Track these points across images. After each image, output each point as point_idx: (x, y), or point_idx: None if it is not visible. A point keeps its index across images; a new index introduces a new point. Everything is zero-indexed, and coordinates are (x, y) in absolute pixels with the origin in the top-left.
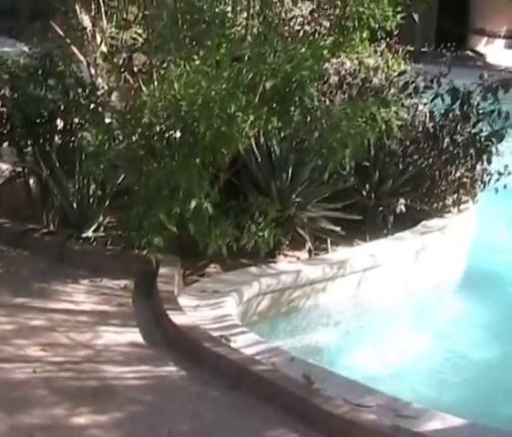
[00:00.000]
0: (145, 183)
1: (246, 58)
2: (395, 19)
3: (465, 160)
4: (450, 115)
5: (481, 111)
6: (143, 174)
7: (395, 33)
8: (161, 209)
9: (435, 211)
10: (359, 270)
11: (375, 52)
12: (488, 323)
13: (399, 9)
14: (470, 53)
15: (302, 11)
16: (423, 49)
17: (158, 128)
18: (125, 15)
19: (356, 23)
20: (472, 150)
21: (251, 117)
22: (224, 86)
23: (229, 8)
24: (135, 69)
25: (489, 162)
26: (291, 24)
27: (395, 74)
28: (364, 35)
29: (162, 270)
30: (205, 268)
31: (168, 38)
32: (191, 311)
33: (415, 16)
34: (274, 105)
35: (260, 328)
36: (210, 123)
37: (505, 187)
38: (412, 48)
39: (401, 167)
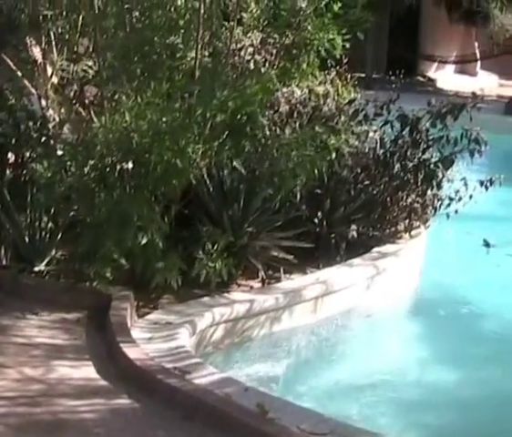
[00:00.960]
0: (96, 215)
1: (196, 92)
2: (344, 47)
3: (415, 186)
4: (400, 141)
5: (430, 137)
6: (94, 206)
7: (346, 60)
8: (112, 241)
9: (387, 237)
10: (312, 298)
11: (325, 80)
12: (437, 344)
13: (346, 35)
14: (421, 78)
15: (251, 41)
16: (374, 75)
17: (109, 160)
18: (76, 48)
19: (305, 51)
20: (422, 176)
21: (202, 149)
22: (175, 118)
23: (179, 40)
24: (86, 101)
25: (439, 188)
26: (241, 54)
27: (346, 101)
28: (314, 63)
29: (115, 303)
30: (158, 299)
31: (119, 70)
32: (144, 344)
33: (361, 36)
34: (225, 136)
35: (214, 358)
36: (161, 154)
37: (456, 212)
38: (363, 75)
39: (352, 194)
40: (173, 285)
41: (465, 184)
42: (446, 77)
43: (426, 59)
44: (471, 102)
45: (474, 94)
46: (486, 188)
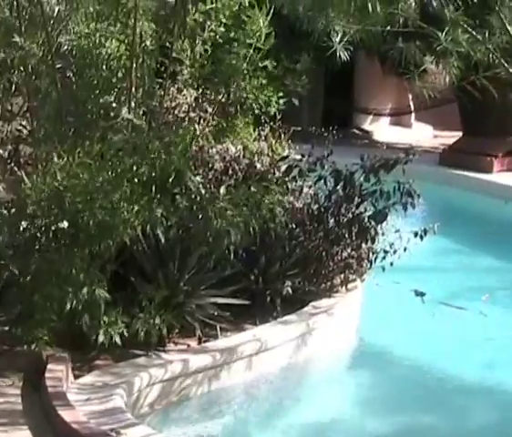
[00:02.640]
0: (31, 276)
1: (130, 149)
2: (278, 104)
3: (350, 240)
4: (334, 196)
5: (364, 192)
6: (29, 266)
7: (281, 115)
8: (48, 302)
9: (323, 291)
10: (248, 355)
11: (259, 136)
12: (374, 396)
13: (281, 94)
14: (356, 131)
15: (186, 98)
16: (310, 129)
17: (42, 220)
18: (9, 107)
19: (240, 109)
20: (356, 230)
21: (136, 207)
22: (108, 177)
23: (112, 98)
24: (22, 161)
25: (373, 241)
26: (176, 111)
27: (280, 157)
28: (249, 120)
29: (51, 365)
30: (95, 360)
31: (51, 131)
32: (81, 406)
33: (296, 101)
34: (159, 194)
35: (151, 419)
36: (94, 214)
37: (391, 264)
38: (299, 128)
39: (288, 249)
40: (117, 342)
41: (400, 236)
42: (382, 130)
43: (361, 112)
44: (403, 158)
45: (409, 148)
46: (421, 237)
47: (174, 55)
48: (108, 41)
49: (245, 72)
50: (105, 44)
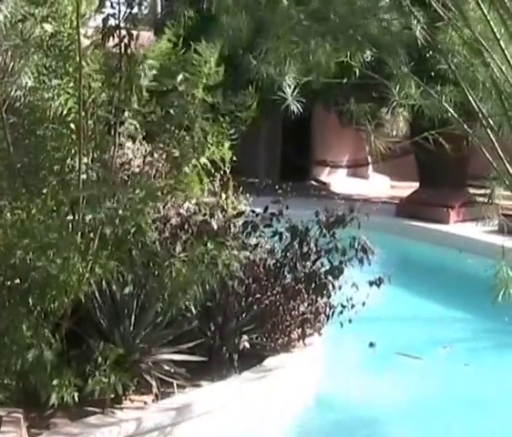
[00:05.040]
0: None
1: (84, 204)
2: (234, 154)
3: (307, 295)
4: (290, 251)
5: (320, 247)
6: None
7: (238, 167)
8: None
9: (280, 347)
10: (204, 413)
11: (215, 190)
12: None
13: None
14: (314, 183)
15: (140, 153)
16: (267, 182)
17: None
18: None
19: (194, 159)
20: (313, 285)
21: (90, 264)
22: (60, 233)
23: (65, 153)
24: None
25: (329, 296)
26: (130, 166)
27: (235, 212)
28: (203, 173)
29: (4, 427)
30: (50, 418)
31: (4, 187)
32: None
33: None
34: (114, 249)
35: None
36: (47, 270)
37: (350, 321)
38: (256, 180)
39: (244, 305)
40: (69, 402)
41: (357, 288)
42: (339, 181)
43: (319, 164)
44: (350, 215)
45: (353, 205)
46: (378, 285)
47: (121, 106)
48: (57, 95)
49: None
50: (53, 97)
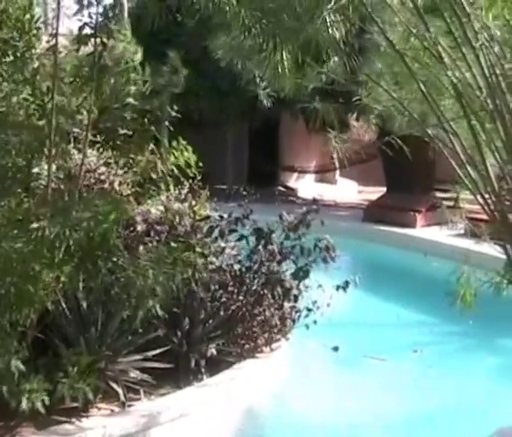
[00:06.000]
0: None
1: (49, 215)
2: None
3: (273, 300)
4: (256, 255)
5: (285, 249)
6: None
7: (206, 173)
8: None
9: (247, 352)
10: (170, 419)
11: (182, 196)
12: None
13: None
14: (282, 188)
15: (107, 160)
16: (235, 188)
17: None
18: None
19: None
20: (278, 289)
21: (56, 273)
22: (26, 244)
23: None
24: None
25: (296, 300)
26: (96, 174)
27: (202, 217)
28: (170, 180)
29: None
30: (17, 427)
31: None
32: None
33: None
34: (80, 259)
35: None
36: (13, 282)
37: (315, 322)
38: (224, 186)
39: (211, 311)
40: (39, 409)
41: (323, 291)
42: (306, 186)
43: (287, 170)
44: (308, 212)
45: (310, 202)
46: (344, 289)
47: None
48: (19, 102)
49: None
50: (16, 105)
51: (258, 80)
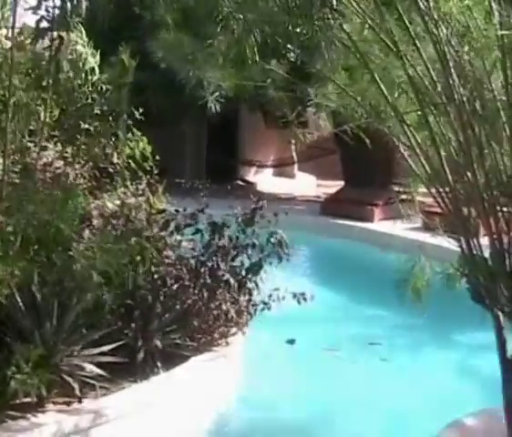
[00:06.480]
0: None
1: (4, 208)
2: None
3: (229, 294)
4: (210, 249)
5: (239, 243)
6: None
7: (164, 167)
8: None
9: (203, 346)
10: (126, 414)
11: (139, 191)
12: None
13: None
14: (241, 182)
15: (62, 154)
16: (193, 182)
17: None
18: None
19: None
20: (233, 283)
21: (10, 267)
22: None
23: None
24: None
25: (250, 293)
26: (52, 168)
27: (158, 211)
28: (127, 175)
29: None
30: None
31: None
32: None
33: None
34: (35, 252)
35: None
36: None
37: (269, 308)
38: (182, 181)
39: (166, 305)
40: None
41: (278, 288)
42: (265, 180)
43: (245, 164)
44: (256, 207)
45: (258, 199)
46: (299, 302)
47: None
48: None
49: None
50: None
51: (205, 83)
